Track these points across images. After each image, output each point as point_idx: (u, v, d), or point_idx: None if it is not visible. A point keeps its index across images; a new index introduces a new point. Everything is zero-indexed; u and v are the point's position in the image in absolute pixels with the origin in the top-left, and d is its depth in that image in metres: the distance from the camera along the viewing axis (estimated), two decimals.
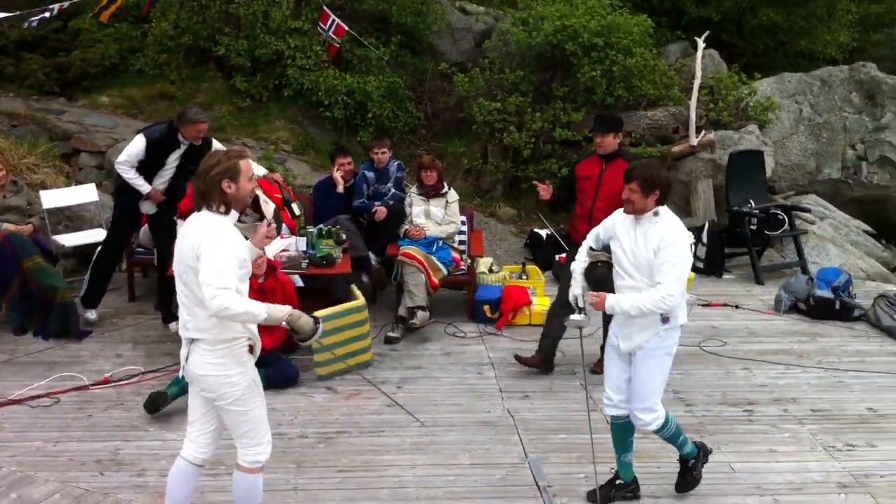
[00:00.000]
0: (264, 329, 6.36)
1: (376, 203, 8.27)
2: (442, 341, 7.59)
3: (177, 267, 4.13)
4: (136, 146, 7.23)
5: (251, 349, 4.23)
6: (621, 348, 4.92)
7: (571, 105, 10.45)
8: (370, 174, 8.47)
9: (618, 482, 5.18)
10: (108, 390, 6.51)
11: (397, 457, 5.65)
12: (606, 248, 5.02)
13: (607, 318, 5.12)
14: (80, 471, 5.40)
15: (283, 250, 7.40)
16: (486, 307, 7.99)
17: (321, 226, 7.75)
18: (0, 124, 9.99)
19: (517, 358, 6.93)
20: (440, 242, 7.95)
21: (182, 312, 4.18)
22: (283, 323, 4.12)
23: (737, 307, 8.56)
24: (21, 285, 7.28)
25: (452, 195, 8.27)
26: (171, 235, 7.56)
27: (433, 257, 7.74)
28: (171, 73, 11.26)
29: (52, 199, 8.66)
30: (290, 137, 10.83)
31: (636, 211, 4.74)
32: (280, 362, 6.64)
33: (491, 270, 8.53)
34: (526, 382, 6.76)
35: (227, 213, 4.10)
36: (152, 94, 11.12)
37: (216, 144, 7.45)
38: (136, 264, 8.43)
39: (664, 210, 4.77)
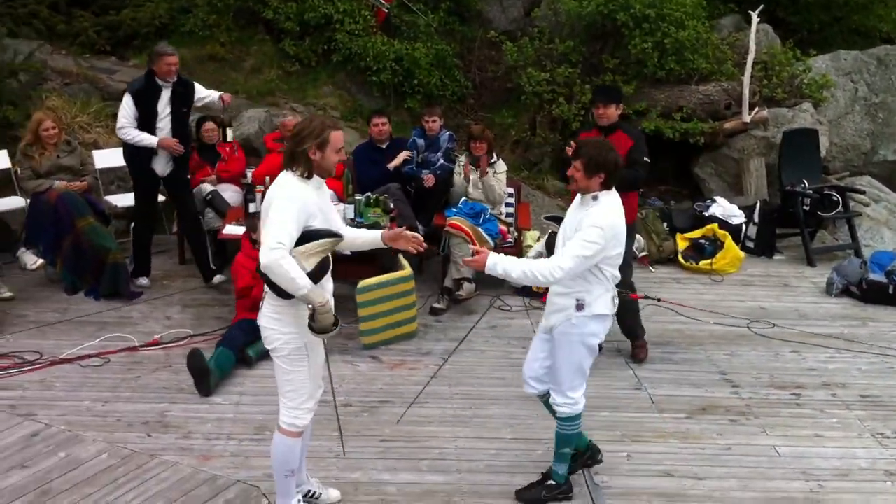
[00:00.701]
0: (254, 311, 6.44)
1: (424, 172, 8.25)
2: (488, 314, 7.54)
3: (263, 216, 4.23)
4: (126, 104, 7.27)
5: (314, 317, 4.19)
6: (542, 326, 4.88)
7: (622, 78, 10.31)
8: (421, 141, 8.45)
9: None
10: (157, 352, 6.61)
11: (439, 428, 5.67)
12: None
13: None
14: (128, 431, 5.49)
15: None
16: None
17: (368, 194, 7.75)
18: (53, 82, 10.05)
19: None
20: (487, 214, 7.90)
21: None
22: (309, 306, 4.14)
23: (659, 300, 7.38)
24: (74, 245, 7.37)
25: (501, 166, 8.20)
26: (189, 194, 7.76)
27: (480, 229, 7.71)
28: (221, 34, 11.25)
29: (105, 158, 8.75)
30: (338, 103, 10.81)
31: (579, 189, 4.64)
32: None
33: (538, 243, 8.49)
34: None
35: (308, 177, 4.16)
36: (202, 56, 11.12)
37: (199, 88, 7.62)
38: None
39: (604, 196, 4.58)
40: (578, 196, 4.70)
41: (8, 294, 7.32)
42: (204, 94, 7.67)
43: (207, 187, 8.18)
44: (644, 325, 6.84)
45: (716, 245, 8.85)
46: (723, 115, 10.36)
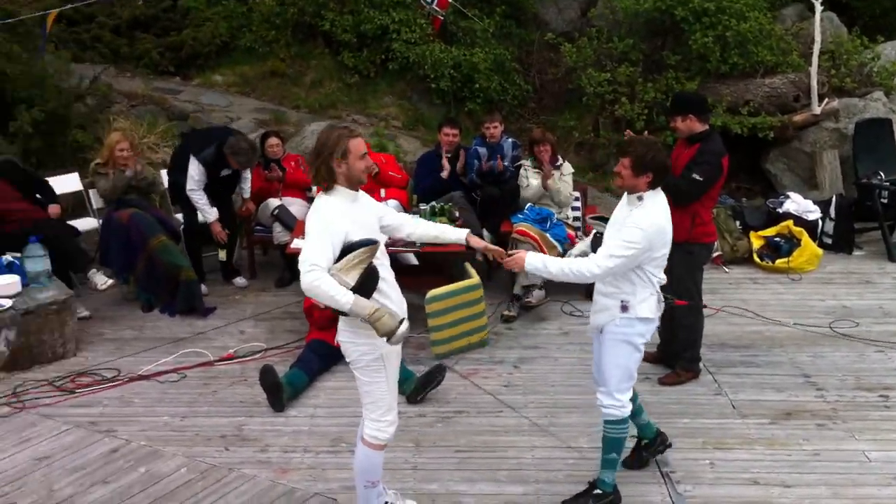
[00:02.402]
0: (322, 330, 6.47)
1: (492, 162, 8.20)
2: (559, 320, 7.49)
3: None
4: (195, 170, 7.72)
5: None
6: (590, 323, 4.87)
7: (685, 74, 10.17)
8: (482, 150, 8.39)
9: (643, 443, 5.18)
10: (233, 366, 6.65)
11: (516, 438, 5.59)
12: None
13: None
14: (206, 445, 5.51)
15: None
16: None
17: (434, 203, 7.72)
18: (120, 104, 10.25)
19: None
20: (554, 219, 7.82)
21: None
22: (361, 320, 4.09)
23: (705, 306, 7.86)
24: (147, 263, 7.48)
25: (567, 167, 8.11)
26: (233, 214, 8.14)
27: (547, 234, 7.62)
28: (281, 49, 11.37)
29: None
30: (399, 113, 10.84)
31: (625, 187, 4.59)
32: None
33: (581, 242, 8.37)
34: (648, 364, 6.59)
35: (328, 190, 4.15)
36: (263, 72, 11.27)
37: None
38: (256, 242, 8.58)
39: (650, 196, 4.53)
40: (626, 195, 4.66)
41: (86, 313, 7.44)
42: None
43: (274, 202, 8.24)
44: (724, 327, 6.67)
45: (792, 242, 8.63)
46: (792, 107, 10.15)
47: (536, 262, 4.53)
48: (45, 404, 6.05)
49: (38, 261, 6.92)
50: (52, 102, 9.16)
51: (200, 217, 7.99)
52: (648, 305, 4.61)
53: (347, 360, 4.33)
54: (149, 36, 11.50)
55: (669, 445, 5.19)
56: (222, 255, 8.22)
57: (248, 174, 8.19)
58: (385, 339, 4.11)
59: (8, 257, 6.95)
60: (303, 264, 4.01)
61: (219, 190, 8.00)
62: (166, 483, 5.07)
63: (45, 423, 5.79)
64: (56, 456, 5.37)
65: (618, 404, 4.70)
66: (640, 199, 4.54)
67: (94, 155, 8.48)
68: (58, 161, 9.06)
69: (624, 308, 4.59)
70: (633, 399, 4.89)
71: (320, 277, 3.98)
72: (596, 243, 4.86)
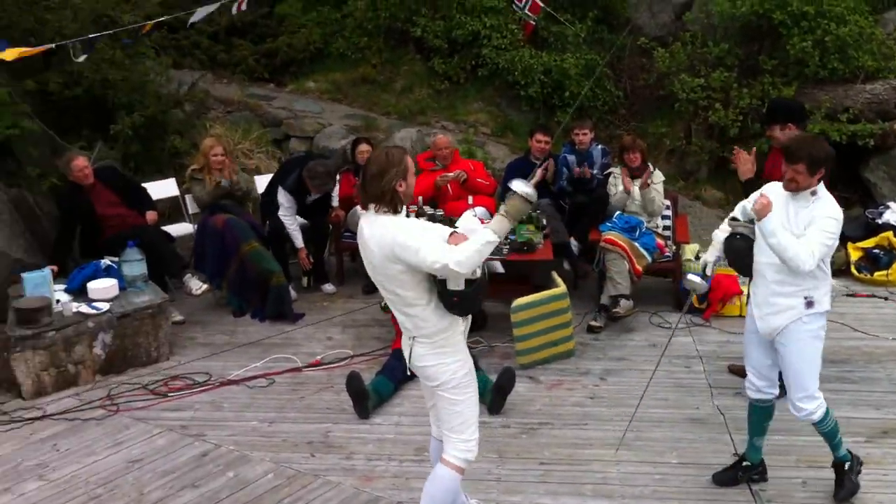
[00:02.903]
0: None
1: (580, 168, 8.13)
2: (647, 332, 7.39)
3: (374, 276, 4.15)
4: (283, 197, 8.00)
5: None
6: (760, 331, 4.75)
7: (781, 79, 9.89)
8: (571, 157, 8.33)
9: (744, 464, 5.07)
10: (320, 373, 6.74)
11: (601, 451, 5.54)
12: (752, 221, 4.75)
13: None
14: (293, 452, 5.60)
15: None
16: (694, 297, 7.71)
17: None
18: (216, 110, 10.50)
19: (730, 369, 6.62)
20: (643, 228, 7.71)
21: (398, 316, 4.22)
22: (510, 224, 3.98)
23: (886, 299, 7.84)
24: (239, 269, 7.64)
25: (658, 175, 7.99)
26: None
27: (636, 244, 7.52)
28: (373, 56, 11.49)
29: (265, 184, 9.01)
30: (488, 120, 10.83)
31: (799, 189, 4.54)
32: None
33: (698, 258, 8.18)
34: (738, 378, 6.46)
35: (397, 212, 4.05)
36: (355, 78, 11.40)
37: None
38: (344, 248, 8.68)
39: (821, 190, 4.57)
40: (780, 193, 4.62)
41: (179, 318, 7.63)
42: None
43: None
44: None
45: (892, 255, 8.34)
46: (893, 114, 9.78)
47: (771, 222, 4.46)
48: (139, 407, 6.23)
49: (135, 265, 7.12)
50: (152, 108, 9.46)
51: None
52: (828, 298, 4.68)
53: (434, 383, 4.21)
54: (245, 42, 11.76)
55: (765, 479, 5.13)
56: (305, 281, 8.36)
57: (336, 194, 8.34)
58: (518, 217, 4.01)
59: (106, 261, 7.17)
60: (442, 259, 3.84)
61: (312, 212, 8.21)
62: (253, 488, 5.18)
63: (138, 426, 5.97)
64: (147, 459, 5.53)
65: (818, 403, 4.77)
66: (814, 193, 4.57)
67: (190, 161, 8.71)
68: (155, 166, 9.34)
69: (809, 304, 4.62)
70: (768, 424, 4.99)
71: (459, 251, 3.86)
72: (738, 249, 4.78)
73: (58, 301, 6.76)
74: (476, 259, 3.88)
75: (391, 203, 4.01)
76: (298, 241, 8.10)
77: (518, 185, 3.97)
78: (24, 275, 6.78)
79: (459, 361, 4.21)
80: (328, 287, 8.39)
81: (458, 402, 4.23)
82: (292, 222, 8.03)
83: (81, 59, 6.82)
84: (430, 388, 4.29)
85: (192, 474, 5.32)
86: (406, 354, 4.26)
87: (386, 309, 4.53)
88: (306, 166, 7.91)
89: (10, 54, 5.64)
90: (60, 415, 6.12)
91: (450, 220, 7.55)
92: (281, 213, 8.00)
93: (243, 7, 8.23)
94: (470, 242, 3.90)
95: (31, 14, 8.65)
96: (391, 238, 3.94)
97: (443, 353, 4.17)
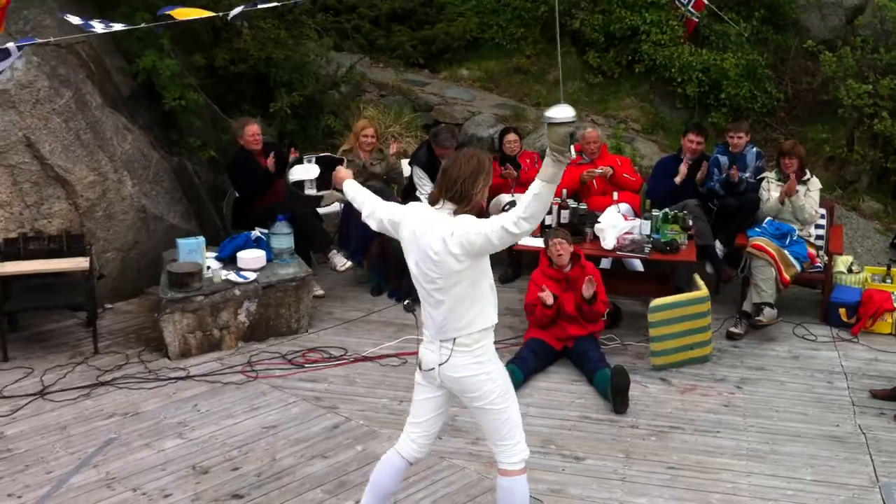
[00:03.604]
0: (568, 322, 6.39)
1: (731, 172, 7.91)
2: (789, 343, 7.14)
3: (423, 275, 3.94)
4: (417, 173, 8.27)
5: None
6: None
7: None
8: (724, 158, 8.10)
9: None
10: None
11: (732, 461, 5.40)
12: None
13: None
14: None
15: (627, 233, 7.28)
16: (842, 310, 7.39)
17: (666, 210, 7.54)
18: (370, 93, 10.71)
19: (873, 394, 6.30)
20: (795, 236, 7.43)
21: (428, 318, 4.04)
22: (557, 164, 3.66)
23: None
24: (380, 249, 7.79)
25: (815, 183, 7.70)
26: None
27: (786, 251, 7.26)
28: (527, 47, 11.46)
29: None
30: (639, 116, 10.65)
31: None
32: (594, 348, 6.55)
33: (850, 270, 7.87)
34: (884, 402, 6.19)
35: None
36: (508, 68, 11.41)
37: None
38: None
39: None
40: None
41: (320, 292, 7.84)
42: None
43: (506, 197, 8.34)
44: None
45: None
46: None
47: None
48: (277, 376, 6.45)
49: (283, 238, 7.37)
50: (310, 88, 9.75)
51: None
52: None
53: (476, 396, 4.00)
54: (404, 28, 11.94)
55: None
56: None
57: None
58: (559, 147, 3.65)
59: (256, 233, 7.43)
60: (508, 226, 3.66)
61: None
62: None
63: (275, 393, 6.18)
64: (282, 426, 5.72)
65: None
66: None
67: (342, 140, 8.93)
68: (309, 144, 9.61)
69: None
70: None
71: (513, 211, 3.68)
72: None
73: (208, 268, 7.06)
74: (535, 206, 3.63)
75: (469, 209, 3.88)
76: None
77: (549, 113, 3.68)
78: (180, 240, 7.12)
79: (497, 370, 4.04)
80: None
81: (503, 411, 4.05)
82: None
83: (238, 22, 7.01)
84: (440, 401, 4.16)
85: (322, 445, 5.48)
86: (430, 363, 4.06)
87: (409, 308, 4.55)
88: (431, 134, 8.20)
89: (180, 14, 5.94)
90: (203, 377, 6.41)
91: (593, 215, 7.51)
92: (419, 192, 8.13)
93: None
94: (529, 197, 3.67)
95: None
96: (451, 226, 3.79)
97: (481, 364, 3.98)
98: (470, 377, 3.97)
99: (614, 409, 5.96)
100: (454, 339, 3.94)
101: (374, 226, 4.25)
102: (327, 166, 5.10)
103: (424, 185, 8.19)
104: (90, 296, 6.82)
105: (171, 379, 6.37)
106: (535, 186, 3.66)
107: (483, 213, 3.99)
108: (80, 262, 6.82)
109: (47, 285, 6.85)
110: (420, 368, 4.16)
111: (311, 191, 5.14)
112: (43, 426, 5.68)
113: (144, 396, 6.11)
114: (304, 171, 5.18)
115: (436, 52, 11.85)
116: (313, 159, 5.20)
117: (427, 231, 3.87)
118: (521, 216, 3.65)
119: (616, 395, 5.98)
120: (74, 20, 6.08)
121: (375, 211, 4.23)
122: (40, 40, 6.24)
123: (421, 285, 4.00)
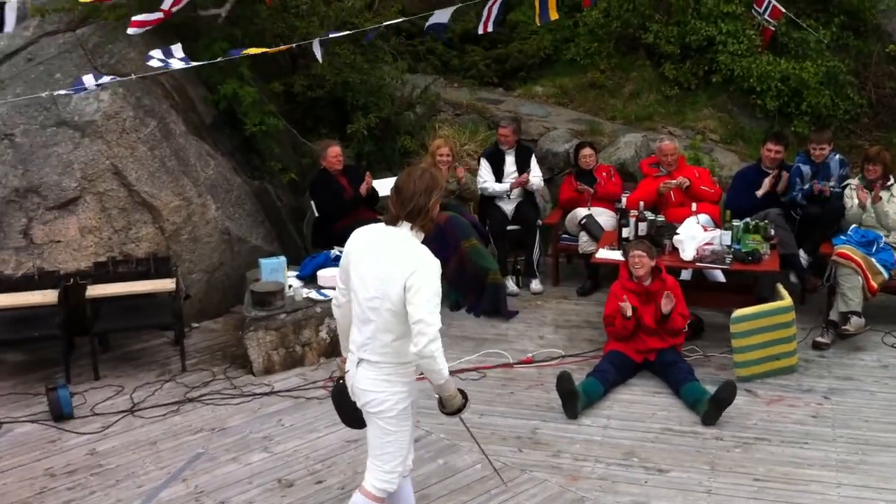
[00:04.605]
0: (648, 335, 6.36)
1: (821, 183, 7.75)
2: (878, 352, 6.95)
3: (361, 284, 3.99)
4: (483, 167, 8.63)
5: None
6: None
7: None
8: (805, 168, 7.94)
9: None
10: (530, 370, 6.81)
11: (821, 472, 5.28)
12: None
13: None
14: (501, 445, 5.69)
15: (707, 244, 7.19)
16: None
17: (748, 220, 7.43)
18: (445, 113, 10.81)
19: None
20: (881, 243, 7.24)
21: (356, 331, 4.10)
22: (436, 393, 4.09)
23: None
24: (458, 264, 7.82)
25: None
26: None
27: (872, 259, 7.07)
28: (601, 62, 11.44)
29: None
30: (717, 126, 10.53)
31: None
32: (681, 361, 6.48)
33: None
34: None
35: (423, 231, 3.99)
36: (583, 84, 11.40)
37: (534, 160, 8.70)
38: (561, 250, 8.73)
39: None
40: None
41: None
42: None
43: (582, 211, 8.33)
44: None
45: None
46: None
47: None
48: None
49: None
50: (386, 110, 9.89)
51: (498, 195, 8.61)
52: None
53: (373, 410, 4.09)
54: (478, 49, 12.04)
55: None
56: (512, 281, 8.41)
57: (534, 165, 8.66)
58: (445, 413, 4.14)
59: (336, 251, 7.54)
60: (431, 329, 3.78)
61: (523, 213, 8.54)
62: (461, 477, 5.33)
63: None
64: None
65: None
66: None
67: (418, 160, 9.03)
68: (386, 165, 9.75)
69: None
70: None
71: (440, 348, 3.84)
72: None
73: (290, 286, 7.20)
74: (434, 366, 3.86)
75: (425, 224, 3.95)
76: (504, 188, 8.55)
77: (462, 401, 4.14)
78: (262, 260, 7.28)
79: (403, 393, 4.09)
80: (535, 285, 8.45)
81: (391, 433, 4.12)
82: (492, 185, 8.56)
83: (319, 55, 7.26)
84: (365, 413, 4.18)
85: None
86: (349, 374, 4.16)
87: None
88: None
89: (255, 50, 6.14)
90: (286, 392, 6.53)
91: (672, 227, 7.43)
92: (480, 185, 8.57)
93: (489, 28, 8.47)
94: (443, 360, 3.88)
95: (282, 21, 9.25)
96: (419, 263, 3.85)
97: (389, 382, 4.04)
98: (375, 391, 4.05)
99: (703, 420, 5.87)
100: (369, 359, 4.03)
101: (340, 293, 4.26)
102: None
103: (484, 175, 8.59)
104: (177, 316, 7.01)
105: (255, 395, 6.50)
106: (447, 376, 3.97)
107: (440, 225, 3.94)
108: (167, 284, 7.03)
109: (136, 306, 7.07)
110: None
111: None
112: (133, 442, 5.85)
113: (230, 412, 6.25)
114: None
115: (509, 71, 11.91)
116: None
117: (388, 246, 3.94)
118: (437, 332, 3.83)
119: (715, 406, 5.89)
120: (155, 62, 6.31)
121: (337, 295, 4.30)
122: (120, 77, 6.45)
123: (357, 298, 4.03)
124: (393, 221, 3.96)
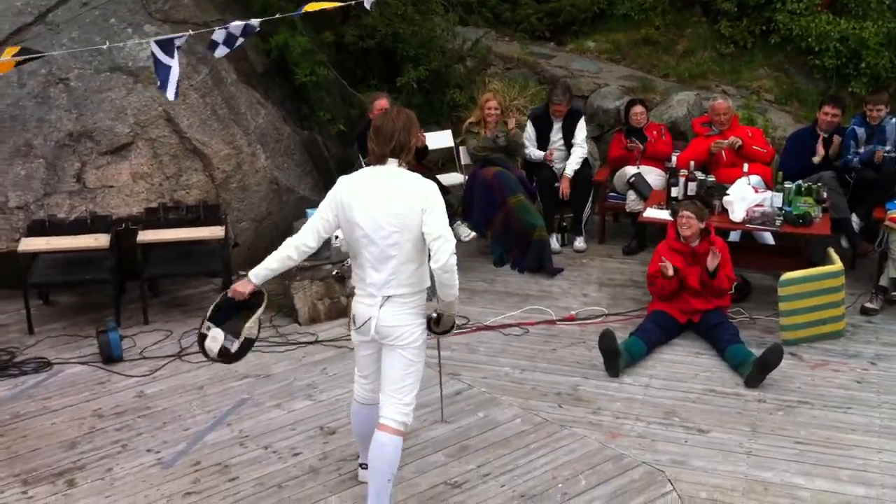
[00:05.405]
0: (693, 295, 6.30)
1: (876, 147, 7.59)
2: None
3: (376, 225, 4.08)
4: (529, 129, 8.61)
5: None
6: None
7: None
8: (860, 130, 7.77)
9: None
10: (573, 327, 6.81)
11: (863, 437, 5.25)
12: None
13: None
14: (541, 400, 5.72)
15: (757, 205, 7.09)
16: None
17: (800, 182, 7.31)
18: (496, 66, 10.73)
19: None
20: None
21: (372, 273, 4.16)
22: (433, 313, 4.27)
23: None
24: (504, 220, 7.82)
25: None
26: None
27: None
28: (656, 17, 11.23)
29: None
30: (772, 86, 10.32)
31: None
32: (725, 323, 6.43)
33: None
34: None
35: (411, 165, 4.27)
36: (636, 40, 11.22)
37: (581, 125, 8.55)
38: (608, 208, 8.67)
39: None
40: None
41: None
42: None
43: (631, 170, 8.24)
44: None
45: None
46: None
47: None
48: None
49: None
50: (436, 62, 9.83)
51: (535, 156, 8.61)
52: None
53: (402, 343, 4.20)
54: (530, 2, 11.88)
55: None
56: (557, 238, 8.39)
57: (581, 128, 8.52)
58: (436, 334, 4.35)
59: None
60: (448, 243, 4.03)
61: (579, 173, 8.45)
62: (501, 430, 5.36)
63: None
64: None
65: None
66: None
67: (466, 114, 9.00)
68: (434, 118, 9.72)
69: None
70: None
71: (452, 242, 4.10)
72: None
73: (336, 237, 7.22)
74: (453, 279, 4.14)
75: (409, 160, 4.20)
76: (540, 156, 8.55)
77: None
78: (309, 210, 7.31)
79: (423, 323, 4.29)
80: (578, 243, 8.42)
81: (414, 363, 4.25)
82: (532, 150, 8.58)
83: (368, 5, 7.27)
84: (388, 348, 4.24)
85: (445, 410, 5.55)
86: (365, 317, 4.21)
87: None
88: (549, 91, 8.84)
89: (312, 6, 6.12)
90: (330, 342, 6.61)
91: (722, 187, 7.35)
92: (527, 150, 8.56)
93: None
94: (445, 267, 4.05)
95: None
96: (424, 188, 4.09)
97: (416, 315, 4.23)
98: (401, 326, 4.18)
99: (746, 382, 5.85)
100: (395, 294, 4.15)
101: (313, 242, 4.33)
102: (230, 309, 4.49)
103: (529, 139, 8.59)
104: (226, 263, 7.11)
105: (300, 343, 6.59)
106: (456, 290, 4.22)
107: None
108: (217, 231, 7.12)
109: (186, 253, 7.20)
110: (354, 324, 4.31)
111: (233, 346, 4.44)
112: (181, 386, 5.99)
113: (276, 359, 6.35)
114: (214, 341, 4.42)
115: (562, 25, 11.75)
116: (210, 326, 4.44)
117: (389, 183, 4.10)
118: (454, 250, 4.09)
119: (760, 369, 5.86)
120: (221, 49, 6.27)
121: (305, 234, 4.37)
122: (179, 35, 6.32)
123: (369, 241, 4.11)
124: (381, 160, 4.16)
